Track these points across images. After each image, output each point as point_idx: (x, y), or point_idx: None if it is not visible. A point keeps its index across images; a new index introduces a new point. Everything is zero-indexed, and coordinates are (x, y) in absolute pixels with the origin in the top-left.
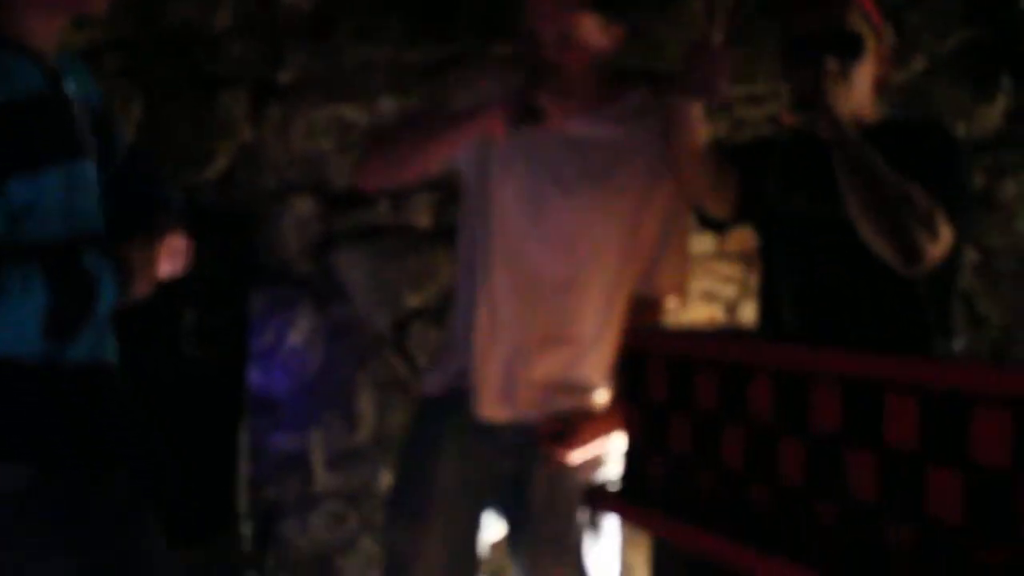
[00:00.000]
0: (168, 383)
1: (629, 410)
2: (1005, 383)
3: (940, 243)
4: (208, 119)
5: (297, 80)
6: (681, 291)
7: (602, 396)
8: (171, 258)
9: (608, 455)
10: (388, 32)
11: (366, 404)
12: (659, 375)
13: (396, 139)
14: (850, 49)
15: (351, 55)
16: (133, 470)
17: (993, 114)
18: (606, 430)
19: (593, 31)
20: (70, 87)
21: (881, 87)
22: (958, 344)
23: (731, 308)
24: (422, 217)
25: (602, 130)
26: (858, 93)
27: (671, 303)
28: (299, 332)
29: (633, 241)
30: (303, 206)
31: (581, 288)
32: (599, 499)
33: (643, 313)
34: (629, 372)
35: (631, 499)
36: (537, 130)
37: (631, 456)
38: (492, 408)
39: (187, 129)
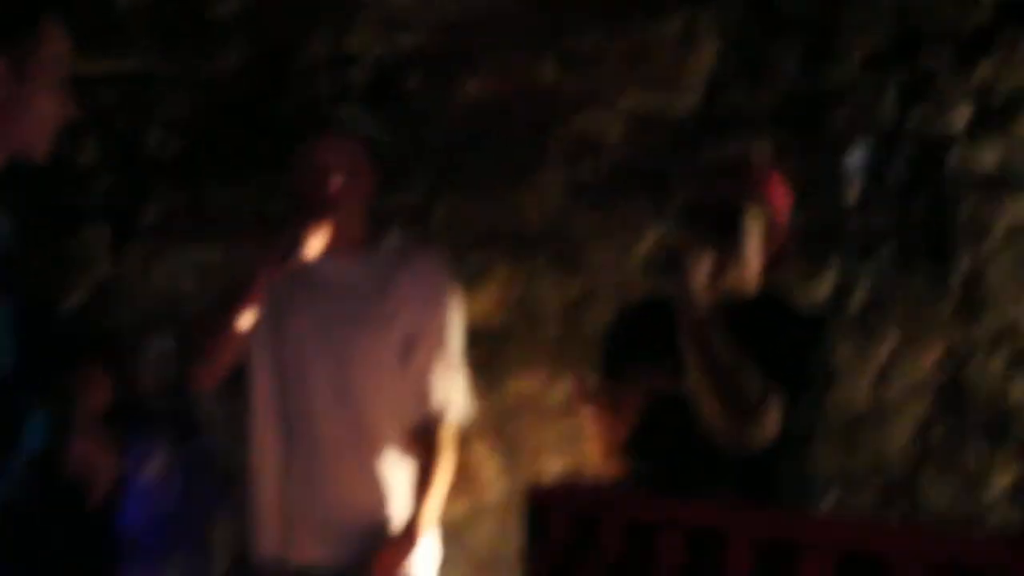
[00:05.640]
0: (43, 519)
1: (532, 563)
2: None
3: (765, 428)
4: (67, 252)
5: (160, 220)
6: (454, 414)
7: (397, 521)
8: (100, 395)
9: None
10: (250, 179)
11: (222, 539)
12: (563, 528)
13: (202, 335)
14: (725, 226)
15: (214, 198)
16: None
17: (823, 288)
18: (408, 553)
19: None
20: None
21: (773, 265)
22: (828, 502)
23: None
24: None
25: (365, 273)
26: (744, 270)
27: (450, 428)
28: (154, 466)
29: (406, 373)
30: (162, 345)
31: (356, 428)
32: None
33: (426, 439)
34: (531, 525)
35: None
36: (306, 271)
37: None
38: (278, 552)
39: (45, 261)
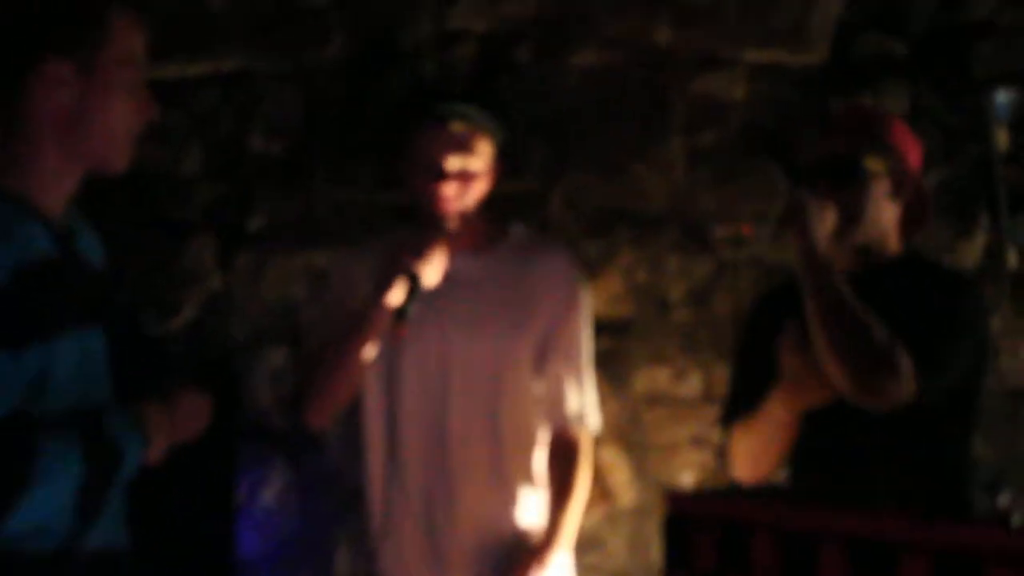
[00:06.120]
0: (157, 548)
1: None
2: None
3: (901, 379)
4: (175, 267)
5: (268, 226)
6: (590, 423)
7: (533, 538)
8: (191, 418)
9: None
10: (360, 175)
11: (345, 562)
12: (708, 541)
13: (318, 375)
14: (844, 178)
15: (323, 199)
16: None
17: (973, 250)
18: (544, 571)
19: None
20: (81, 248)
21: (912, 224)
22: (1004, 499)
23: (722, 453)
24: None
25: (496, 271)
26: (872, 225)
27: (587, 438)
28: (272, 489)
29: (539, 378)
30: (276, 357)
31: (492, 437)
32: None
33: (561, 450)
34: (672, 537)
35: None
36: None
37: None
38: None
39: (153, 277)
